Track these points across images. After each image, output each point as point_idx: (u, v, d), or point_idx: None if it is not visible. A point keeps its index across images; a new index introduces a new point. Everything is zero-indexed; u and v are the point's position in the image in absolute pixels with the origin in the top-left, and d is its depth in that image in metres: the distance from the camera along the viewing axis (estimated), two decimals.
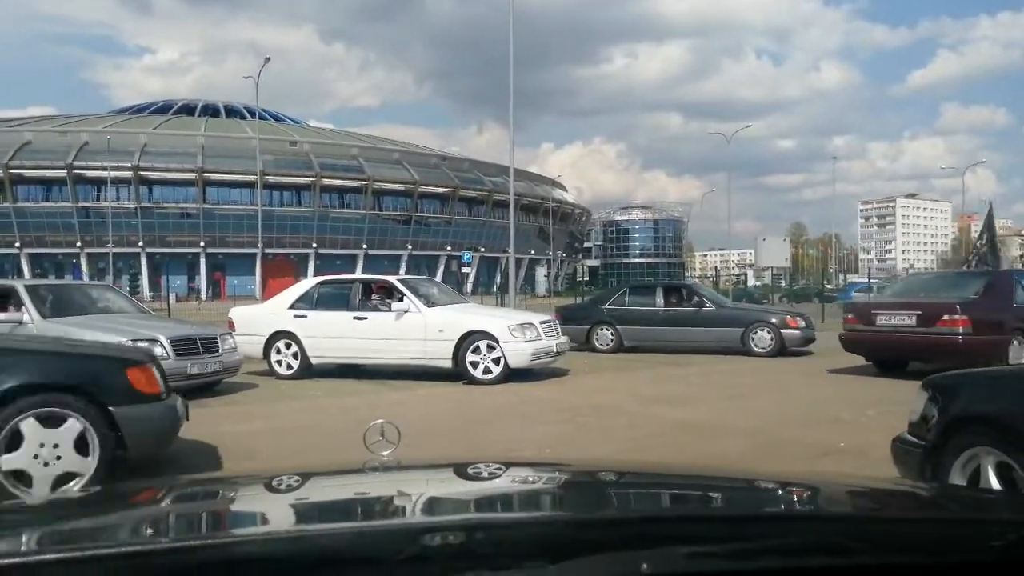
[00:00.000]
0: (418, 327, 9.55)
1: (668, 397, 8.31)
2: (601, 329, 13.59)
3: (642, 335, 13.38)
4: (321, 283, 11.01)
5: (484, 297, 35.29)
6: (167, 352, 7.84)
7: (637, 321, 13.42)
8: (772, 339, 12.34)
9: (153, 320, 9.47)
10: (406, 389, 9.28)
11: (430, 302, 10.01)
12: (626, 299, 14.07)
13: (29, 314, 8.13)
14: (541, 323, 9.88)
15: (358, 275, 11.90)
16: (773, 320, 12.68)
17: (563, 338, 10.34)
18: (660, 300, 13.61)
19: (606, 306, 14.02)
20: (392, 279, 10.58)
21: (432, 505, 1.26)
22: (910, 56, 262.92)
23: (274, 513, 1.25)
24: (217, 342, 8.47)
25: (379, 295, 10.39)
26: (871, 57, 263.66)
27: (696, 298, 13.46)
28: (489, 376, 9.25)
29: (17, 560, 0.86)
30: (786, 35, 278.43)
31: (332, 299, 10.45)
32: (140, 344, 7.76)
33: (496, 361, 9.29)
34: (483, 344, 9.32)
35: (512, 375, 9.32)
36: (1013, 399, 3.11)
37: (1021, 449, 2.88)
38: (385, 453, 1.40)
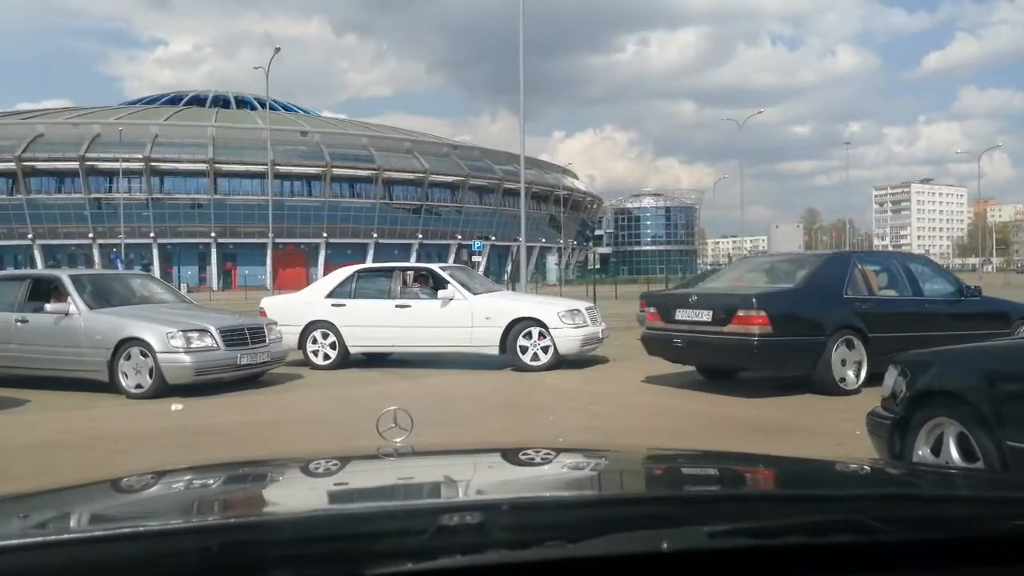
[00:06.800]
0: (464, 314, 9.42)
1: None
2: None
3: None
4: (360, 271, 10.83)
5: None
6: (217, 343, 7.73)
7: None
8: None
9: (198, 310, 9.33)
10: (452, 375, 9.21)
11: (472, 290, 9.88)
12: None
13: (76, 305, 8.02)
14: (586, 309, 9.76)
15: (397, 263, 11.73)
16: None
17: (604, 324, 10.20)
18: None
19: None
20: (434, 267, 10.43)
21: (449, 487, 1.26)
22: (927, 40, 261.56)
23: (287, 496, 1.24)
24: (264, 332, 8.35)
25: (416, 284, 10.26)
26: (888, 41, 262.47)
27: None
28: (538, 363, 9.13)
29: (72, 536, 0.88)
30: (802, 20, 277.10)
31: (371, 288, 10.31)
32: (190, 334, 7.66)
33: (545, 349, 9.16)
34: (535, 331, 9.20)
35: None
36: (972, 375, 3.29)
37: (977, 422, 3.09)
38: (398, 440, 1.37)
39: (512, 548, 0.77)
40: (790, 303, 7.24)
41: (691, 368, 8.66)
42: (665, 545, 0.78)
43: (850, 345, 7.14)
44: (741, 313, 6.97)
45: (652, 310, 8.04)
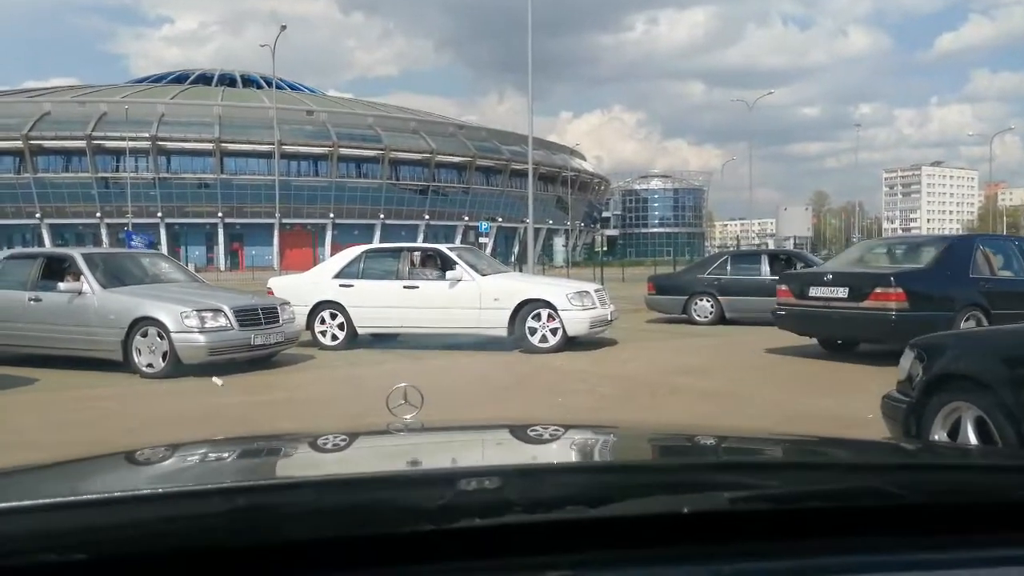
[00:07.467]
0: (472, 296, 9.44)
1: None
2: (700, 300, 12.53)
3: (746, 306, 11.94)
4: (367, 252, 10.82)
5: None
6: (231, 322, 7.77)
7: (740, 291, 12.17)
8: None
9: (211, 289, 9.32)
10: (460, 356, 9.24)
11: (480, 271, 9.90)
12: (727, 268, 12.78)
13: (89, 284, 8.03)
14: (595, 291, 9.79)
15: (405, 244, 11.73)
16: None
17: (613, 306, 10.22)
18: (766, 268, 12.36)
19: (705, 275, 12.85)
20: (442, 247, 10.44)
21: (465, 456, 1.28)
22: (940, 21, 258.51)
23: (303, 464, 1.25)
24: (278, 312, 8.36)
25: (423, 264, 10.29)
26: (900, 22, 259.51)
27: (801, 264, 12.25)
28: (546, 345, 9.15)
29: (91, 498, 0.88)
30: (813, 0, 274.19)
31: (379, 268, 10.31)
32: (204, 313, 7.70)
33: (553, 331, 9.18)
34: (544, 312, 9.21)
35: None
36: (990, 359, 3.31)
37: (996, 405, 3.09)
38: (408, 416, 1.38)
39: (531, 512, 0.77)
40: (924, 281, 7.90)
41: (698, 347, 8.70)
42: (686, 509, 0.78)
43: (975, 321, 7.63)
44: (879, 290, 7.60)
45: (783, 287, 8.71)
